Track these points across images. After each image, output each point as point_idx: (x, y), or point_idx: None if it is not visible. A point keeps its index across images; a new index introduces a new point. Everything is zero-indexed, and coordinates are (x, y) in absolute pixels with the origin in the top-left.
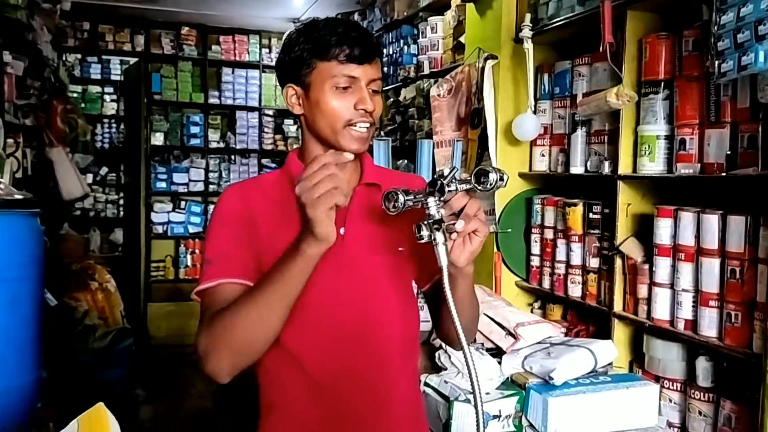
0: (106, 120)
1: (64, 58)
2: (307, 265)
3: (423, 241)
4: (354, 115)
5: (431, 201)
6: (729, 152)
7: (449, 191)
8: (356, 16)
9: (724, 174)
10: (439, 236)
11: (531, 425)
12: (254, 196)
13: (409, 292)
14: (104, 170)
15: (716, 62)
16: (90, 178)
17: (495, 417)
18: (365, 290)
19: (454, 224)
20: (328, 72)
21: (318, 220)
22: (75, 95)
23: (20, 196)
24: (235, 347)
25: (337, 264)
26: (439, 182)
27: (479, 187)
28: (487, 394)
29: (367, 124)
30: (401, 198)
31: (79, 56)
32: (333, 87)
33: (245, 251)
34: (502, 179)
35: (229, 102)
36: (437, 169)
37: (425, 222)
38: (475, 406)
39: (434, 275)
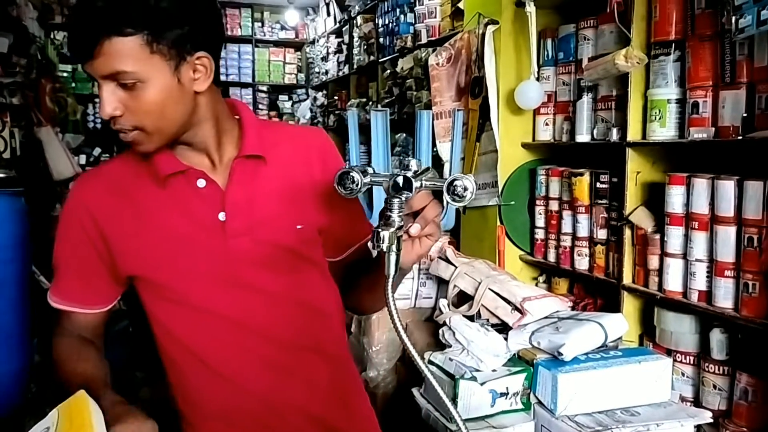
0: (97, 100)
1: (52, 36)
2: None
3: (378, 250)
4: (104, 119)
5: (395, 202)
6: (745, 114)
7: (415, 188)
8: None
9: (740, 137)
10: (395, 245)
11: (540, 402)
12: (100, 194)
13: (316, 271)
14: (97, 151)
15: (733, 18)
16: (83, 158)
17: (502, 394)
18: (261, 281)
19: (408, 226)
20: None
21: None
22: (65, 75)
23: (2, 175)
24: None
25: (222, 253)
26: (403, 178)
27: (449, 198)
28: (494, 371)
29: (125, 132)
30: (357, 179)
31: (67, 34)
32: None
33: (89, 273)
34: (472, 193)
35: (222, 78)
36: (404, 160)
37: (383, 227)
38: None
39: (349, 247)
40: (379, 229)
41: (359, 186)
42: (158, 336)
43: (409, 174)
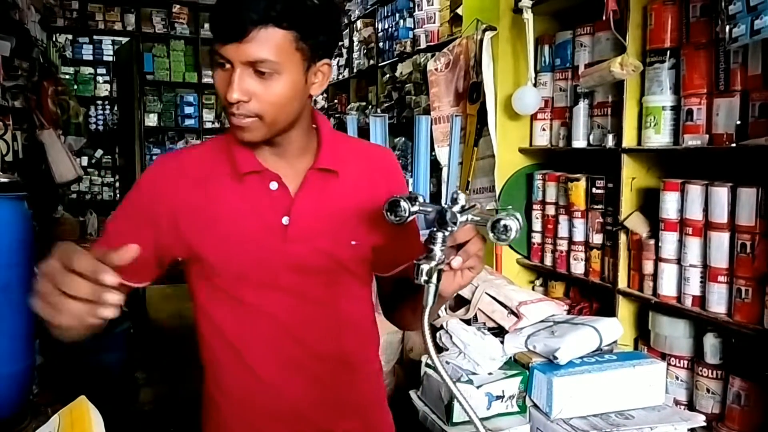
0: (99, 102)
1: (54, 39)
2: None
3: (419, 282)
4: (226, 103)
5: (439, 236)
6: (739, 122)
7: (460, 222)
8: None
9: (733, 145)
10: (434, 277)
11: (535, 405)
12: (183, 171)
13: (361, 286)
14: (99, 153)
15: (727, 27)
16: (85, 160)
17: (498, 397)
18: (309, 285)
19: (450, 258)
20: (214, 46)
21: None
22: (67, 77)
23: (5, 180)
24: None
25: (279, 256)
26: (449, 212)
27: (492, 236)
28: (490, 374)
29: (242, 116)
30: (406, 207)
31: (70, 37)
32: (217, 64)
33: (140, 243)
34: (517, 232)
35: None
36: (453, 194)
37: (424, 260)
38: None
39: (398, 265)
40: (420, 263)
41: (407, 214)
42: (200, 321)
43: (456, 208)
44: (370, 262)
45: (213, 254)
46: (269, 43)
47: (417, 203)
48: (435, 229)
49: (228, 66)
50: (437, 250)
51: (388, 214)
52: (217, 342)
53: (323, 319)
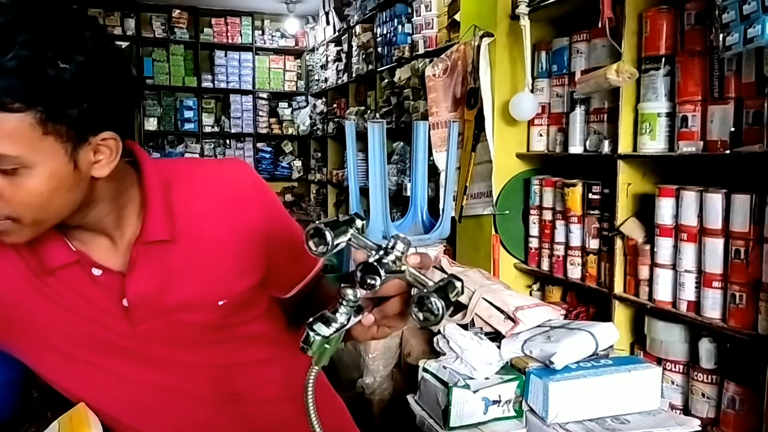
0: None
1: None
2: None
3: (303, 349)
4: None
5: (349, 294)
6: (733, 129)
7: (382, 281)
8: None
9: (728, 151)
10: (334, 342)
11: (531, 410)
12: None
13: (246, 328)
14: None
15: (720, 35)
16: None
17: (495, 402)
18: (173, 355)
19: (364, 314)
20: None
21: None
22: None
23: None
24: None
25: (137, 347)
26: (371, 269)
27: (414, 309)
28: (487, 379)
29: None
30: (328, 239)
31: None
32: None
33: None
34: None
35: (223, 85)
36: (392, 236)
37: (315, 325)
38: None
39: (294, 286)
40: (311, 329)
41: (330, 248)
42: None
43: (390, 258)
44: (253, 301)
45: (44, 355)
46: (6, 131)
47: (349, 232)
48: (348, 286)
49: None
50: (343, 312)
51: (309, 244)
52: (104, 419)
53: (209, 376)
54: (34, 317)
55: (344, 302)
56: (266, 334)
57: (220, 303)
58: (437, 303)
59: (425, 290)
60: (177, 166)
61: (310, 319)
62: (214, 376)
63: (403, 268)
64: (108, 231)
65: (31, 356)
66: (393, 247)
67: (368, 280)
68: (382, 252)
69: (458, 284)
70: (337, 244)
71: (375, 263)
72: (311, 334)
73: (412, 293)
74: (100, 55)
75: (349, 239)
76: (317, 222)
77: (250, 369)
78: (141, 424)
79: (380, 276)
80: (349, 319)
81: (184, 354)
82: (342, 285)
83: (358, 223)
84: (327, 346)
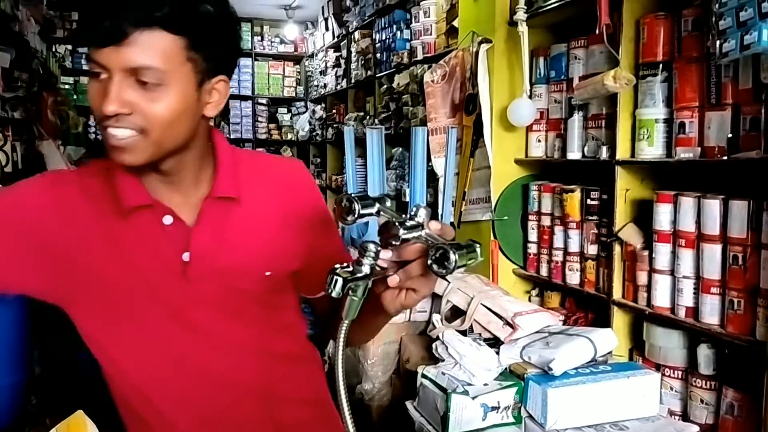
0: None
1: (53, 49)
2: None
3: (330, 293)
4: (102, 116)
5: (371, 248)
6: (730, 135)
7: (403, 240)
8: (348, 2)
9: (725, 158)
10: (359, 291)
11: (530, 416)
12: (71, 197)
13: (281, 316)
14: None
15: (717, 42)
16: None
17: (493, 408)
18: (221, 325)
19: (388, 273)
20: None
21: None
22: (67, 87)
23: None
24: None
25: (181, 296)
26: (398, 226)
27: (429, 261)
28: (485, 385)
29: (122, 132)
30: (356, 209)
31: (69, 47)
32: (92, 73)
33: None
34: (468, 260)
35: None
36: (417, 205)
37: (343, 270)
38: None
39: (322, 289)
40: (335, 273)
41: (356, 216)
42: (109, 377)
43: (409, 223)
44: (290, 289)
45: (104, 297)
46: (154, 48)
47: (368, 206)
48: (371, 241)
49: (104, 75)
50: (366, 262)
51: (338, 213)
52: (131, 398)
53: (247, 359)
54: (96, 268)
55: (366, 253)
56: (294, 329)
57: (267, 274)
58: (452, 256)
59: (446, 244)
60: (244, 150)
61: (333, 268)
62: (247, 361)
63: (424, 233)
64: (183, 184)
65: (82, 311)
66: (415, 214)
67: (389, 238)
68: (405, 216)
69: (478, 250)
70: (364, 214)
71: (396, 223)
72: (334, 276)
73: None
74: (228, 8)
75: (377, 211)
76: (349, 193)
77: (278, 362)
78: (168, 404)
79: (398, 233)
80: (372, 272)
81: (228, 325)
82: (364, 240)
83: (387, 202)
84: (354, 297)
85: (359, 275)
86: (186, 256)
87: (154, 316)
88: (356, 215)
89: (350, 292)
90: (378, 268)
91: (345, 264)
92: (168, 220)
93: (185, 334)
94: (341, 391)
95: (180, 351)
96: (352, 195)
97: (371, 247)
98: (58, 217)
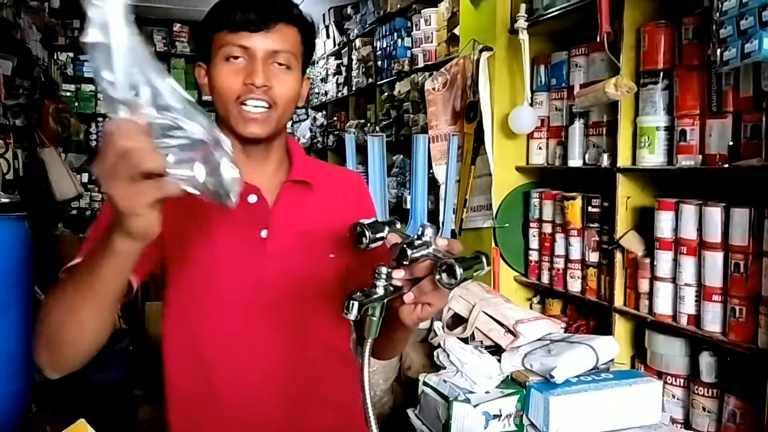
0: (100, 119)
1: (55, 57)
2: (122, 262)
3: (348, 317)
4: (243, 91)
5: (383, 270)
6: (731, 143)
7: (411, 259)
8: (349, 10)
9: (726, 165)
10: (377, 311)
11: (532, 424)
12: None
13: (336, 305)
14: None
15: (718, 50)
16: (86, 177)
17: (495, 416)
18: (287, 301)
19: (403, 291)
20: (220, 41)
21: (129, 212)
22: (68, 94)
23: (6, 200)
24: (48, 339)
25: (257, 270)
26: (404, 249)
27: (437, 275)
28: (487, 393)
29: (261, 103)
30: (367, 235)
31: (71, 55)
32: (224, 58)
33: None
34: (475, 272)
35: None
36: (423, 225)
37: (360, 295)
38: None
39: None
40: (351, 299)
41: (368, 241)
42: (168, 339)
43: (418, 242)
44: (344, 280)
45: (189, 266)
46: (289, 38)
47: (379, 233)
48: (382, 264)
49: (241, 59)
50: (380, 284)
51: (353, 236)
52: (184, 362)
53: (297, 336)
54: (186, 244)
55: (378, 277)
56: (343, 327)
57: (331, 256)
58: (458, 270)
59: (452, 258)
60: (314, 158)
61: (349, 294)
62: (305, 344)
63: (431, 250)
64: (268, 169)
65: (177, 277)
66: (422, 234)
67: (400, 258)
68: (413, 236)
69: (484, 260)
70: (376, 239)
71: (404, 245)
72: (350, 301)
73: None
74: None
75: (387, 234)
76: (362, 221)
77: (336, 361)
78: (224, 378)
79: (407, 255)
80: (386, 293)
81: (292, 303)
82: (377, 264)
83: (397, 224)
84: (373, 318)
85: (374, 297)
86: (264, 233)
87: (231, 288)
88: (368, 241)
89: (368, 311)
90: (392, 288)
91: (357, 291)
92: (252, 198)
93: (256, 308)
94: (369, 406)
95: (248, 323)
96: (364, 224)
97: (383, 270)
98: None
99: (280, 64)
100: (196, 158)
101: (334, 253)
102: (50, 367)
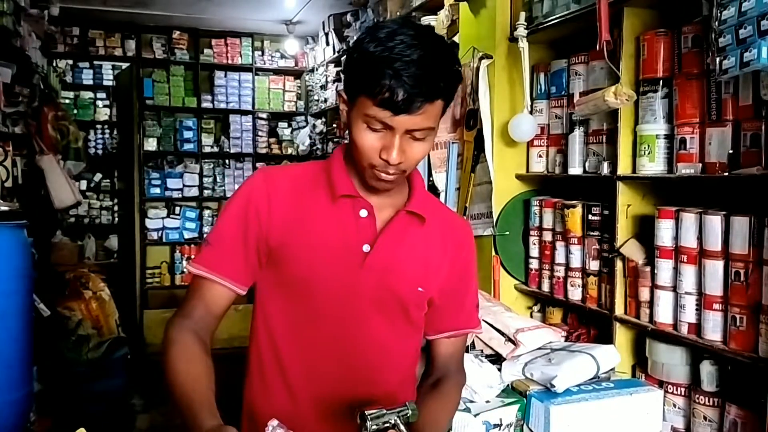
0: (99, 126)
1: (54, 64)
2: None
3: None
4: (378, 163)
5: None
6: (731, 151)
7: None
8: (349, 17)
9: (726, 174)
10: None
11: None
12: (281, 183)
13: (414, 334)
14: (98, 176)
15: (717, 59)
16: (84, 184)
17: (495, 426)
18: (371, 314)
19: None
20: (364, 106)
21: None
22: (67, 101)
23: (6, 208)
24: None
25: (351, 282)
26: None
27: None
28: (487, 402)
29: (390, 173)
30: (368, 426)
31: (70, 62)
32: (365, 124)
33: (243, 249)
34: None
35: (222, 106)
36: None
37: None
38: None
39: (440, 332)
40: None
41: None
42: (258, 328)
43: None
44: (424, 315)
45: (293, 263)
46: (433, 113)
47: (394, 419)
48: None
49: (381, 131)
50: None
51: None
52: (267, 352)
53: (372, 352)
54: (291, 249)
55: None
56: (411, 357)
57: (419, 290)
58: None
59: None
60: (432, 195)
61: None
62: (377, 362)
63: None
64: (388, 194)
65: (283, 264)
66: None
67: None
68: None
69: None
70: (381, 428)
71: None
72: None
73: None
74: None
75: (393, 423)
76: (367, 412)
77: (398, 374)
78: (300, 379)
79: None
80: None
81: (373, 322)
82: None
83: (409, 412)
84: None
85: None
86: (366, 248)
87: (323, 294)
88: (369, 428)
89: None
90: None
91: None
92: (363, 213)
93: (338, 317)
94: None
95: (327, 332)
96: (367, 414)
97: None
98: (269, 206)
99: (416, 137)
100: None
101: (423, 287)
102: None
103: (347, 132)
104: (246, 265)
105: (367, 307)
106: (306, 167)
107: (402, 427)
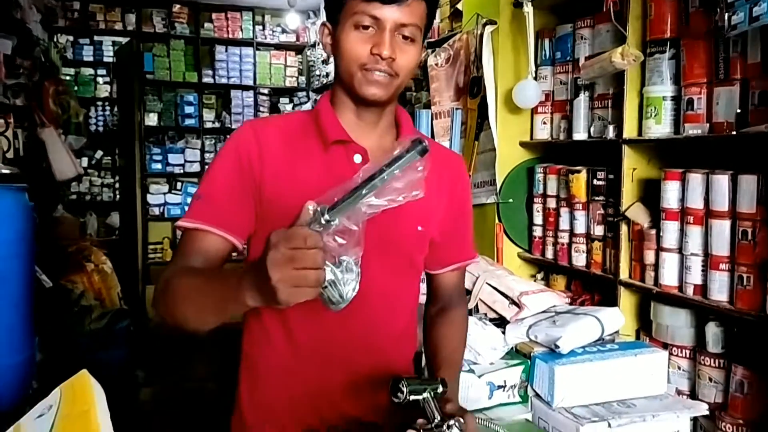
0: (99, 103)
1: (55, 39)
2: (243, 309)
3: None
4: (369, 60)
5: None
6: (739, 110)
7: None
8: None
9: (734, 133)
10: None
11: (537, 395)
12: (270, 134)
13: (415, 277)
14: (99, 153)
15: (726, 15)
16: (85, 161)
17: (500, 387)
18: (369, 265)
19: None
20: (351, 9)
21: (285, 303)
22: (68, 78)
23: (7, 171)
24: (171, 314)
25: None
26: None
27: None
28: (492, 364)
29: (384, 74)
30: (404, 392)
31: (71, 38)
32: (353, 26)
33: (238, 200)
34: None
35: (224, 81)
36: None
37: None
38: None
39: (445, 266)
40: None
41: (403, 399)
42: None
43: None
44: (426, 253)
45: (288, 214)
46: (418, 11)
47: (425, 393)
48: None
49: (371, 29)
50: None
51: (391, 392)
52: (273, 317)
53: (373, 299)
54: (282, 200)
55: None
56: (412, 302)
57: (419, 229)
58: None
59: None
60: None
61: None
62: (379, 309)
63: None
64: (377, 132)
65: (277, 216)
66: (450, 427)
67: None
68: (443, 426)
69: None
70: (412, 401)
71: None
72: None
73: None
74: None
75: (425, 398)
76: (405, 377)
77: (399, 323)
78: (299, 330)
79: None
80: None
81: (374, 267)
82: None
83: (440, 389)
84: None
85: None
86: None
87: None
88: (404, 397)
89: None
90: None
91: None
92: (358, 158)
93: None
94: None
95: None
96: (403, 380)
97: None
98: (260, 158)
99: (405, 37)
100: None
101: (422, 226)
102: (171, 322)
103: (333, 65)
104: (242, 217)
105: (366, 252)
106: (292, 117)
107: (433, 404)
